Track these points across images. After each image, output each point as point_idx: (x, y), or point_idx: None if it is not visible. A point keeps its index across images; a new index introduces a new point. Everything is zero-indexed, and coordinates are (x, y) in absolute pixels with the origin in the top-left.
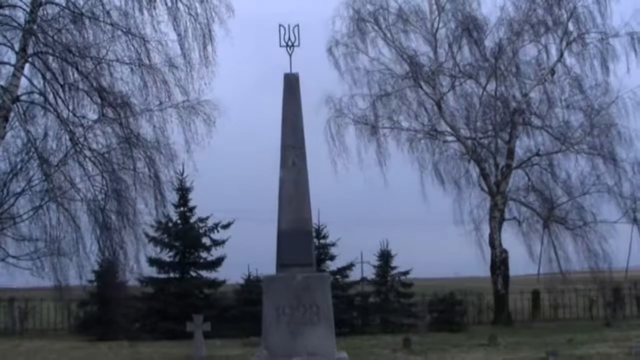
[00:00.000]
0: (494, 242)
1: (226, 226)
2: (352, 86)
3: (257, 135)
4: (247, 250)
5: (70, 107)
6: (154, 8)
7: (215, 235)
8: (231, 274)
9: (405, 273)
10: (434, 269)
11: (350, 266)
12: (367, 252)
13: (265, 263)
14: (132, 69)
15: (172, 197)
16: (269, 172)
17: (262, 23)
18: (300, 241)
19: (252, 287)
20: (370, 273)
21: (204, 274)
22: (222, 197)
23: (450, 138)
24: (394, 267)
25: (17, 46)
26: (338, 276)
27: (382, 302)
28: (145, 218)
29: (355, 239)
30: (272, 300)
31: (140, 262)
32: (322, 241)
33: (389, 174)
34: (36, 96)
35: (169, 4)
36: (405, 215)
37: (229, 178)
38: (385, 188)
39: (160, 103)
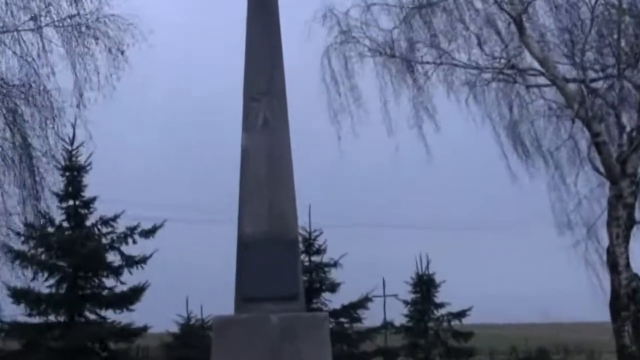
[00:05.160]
0: (617, 260)
1: (149, 232)
2: None
3: (205, 75)
4: (184, 275)
5: None
6: None
7: (130, 249)
8: (157, 315)
9: (461, 315)
10: (507, 307)
11: (364, 302)
12: (393, 276)
13: (216, 296)
14: None
15: (54, 181)
16: (223, 139)
17: None
18: (278, 257)
19: (193, 338)
20: (398, 314)
21: (110, 315)
22: (143, 183)
23: (540, 80)
24: (440, 305)
25: None
26: (344, 319)
27: None
28: (5, 219)
29: (372, 255)
30: (230, 357)
31: None
32: (315, 258)
33: (433, 142)
34: None
35: None
36: (458, 215)
37: (153, 152)
38: (425, 167)
39: (34, 18)
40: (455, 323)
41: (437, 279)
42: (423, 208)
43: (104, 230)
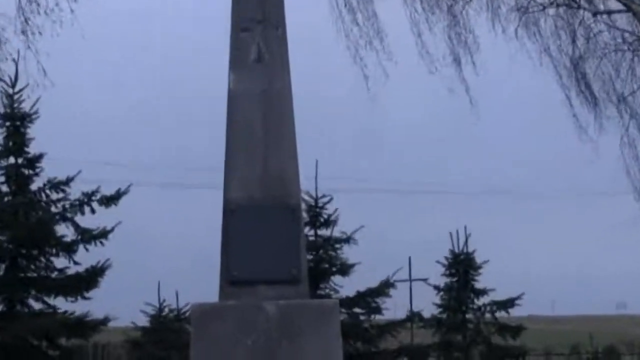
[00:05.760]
0: None
1: (111, 200)
2: None
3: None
4: (155, 253)
5: None
6: None
7: (87, 220)
8: (121, 305)
9: (508, 304)
10: (569, 295)
11: (385, 287)
12: (421, 255)
13: (195, 279)
14: None
15: None
16: (207, 80)
17: None
18: (274, 229)
19: (166, 333)
20: (428, 303)
21: (61, 304)
22: (103, 138)
23: (611, 4)
24: (482, 291)
25: None
26: (359, 309)
27: None
28: None
29: (395, 228)
30: (214, 357)
31: None
32: (322, 232)
33: (475, 87)
34: None
35: None
36: (506, 179)
37: (118, 97)
38: (464, 120)
39: None
40: (501, 315)
41: (478, 258)
42: (462, 170)
43: (54, 196)
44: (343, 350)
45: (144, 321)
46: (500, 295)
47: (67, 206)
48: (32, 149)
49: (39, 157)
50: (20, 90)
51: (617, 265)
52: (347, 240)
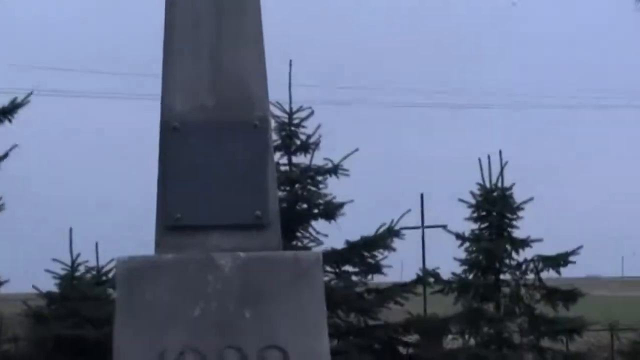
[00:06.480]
0: None
1: (4, 113)
2: None
3: None
4: (65, 191)
5: None
6: None
7: None
8: (17, 264)
9: (559, 261)
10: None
11: (387, 237)
12: (438, 191)
13: (122, 225)
14: None
15: None
16: None
17: None
18: (231, 153)
19: (81, 302)
20: (447, 258)
21: None
22: None
23: None
24: (523, 242)
25: None
26: (350, 267)
27: (485, 346)
28: None
29: (402, 153)
30: (145, 335)
31: None
32: (299, 159)
33: None
34: None
35: None
36: (557, 85)
37: None
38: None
39: None
40: (548, 276)
41: (518, 196)
42: (495, 75)
43: None
44: (329, 323)
45: (50, 286)
46: (548, 249)
47: None
48: None
49: None
50: None
51: None
52: (334, 170)
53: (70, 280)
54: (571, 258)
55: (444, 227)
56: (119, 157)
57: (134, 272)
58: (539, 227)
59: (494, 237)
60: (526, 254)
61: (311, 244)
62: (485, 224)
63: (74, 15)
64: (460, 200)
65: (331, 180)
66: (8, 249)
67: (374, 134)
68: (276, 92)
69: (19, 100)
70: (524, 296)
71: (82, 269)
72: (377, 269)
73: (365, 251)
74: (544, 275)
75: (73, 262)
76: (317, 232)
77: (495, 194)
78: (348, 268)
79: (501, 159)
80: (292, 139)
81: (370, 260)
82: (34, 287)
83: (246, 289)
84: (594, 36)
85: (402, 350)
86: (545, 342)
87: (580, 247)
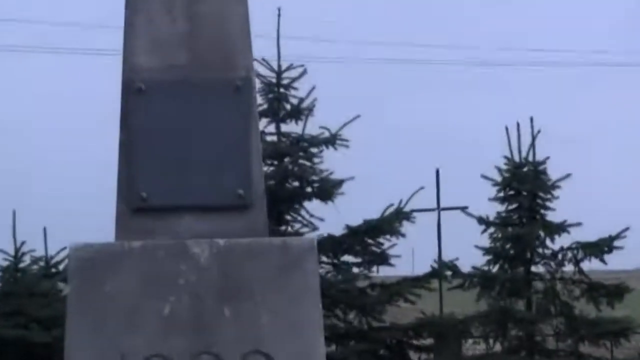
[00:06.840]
0: None
1: None
2: None
3: None
4: (10, 165)
5: None
6: None
7: None
8: None
9: (602, 248)
10: None
11: (394, 220)
12: (457, 167)
13: (77, 206)
14: None
15: None
16: None
17: None
18: (207, 120)
19: (25, 299)
20: (468, 246)
21: None
22: None
23: None
24: (560, 227)
25: None
26: (351, 256)
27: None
28: None
29: (413, 119)
30: (102, 337)
31: None
32: (289, 127)
33: None
34: None
35: None
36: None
37: None
38: None
39: None
40: (590, 268)
41: (553, 172)
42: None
43: None
44: (325, 323)
45: None
46: (589, 234)
47: None
48: None
49: None
50: None
51: None
52: (332, 140)
53: (13, 272)
54: (616, 243)
55: (464, 209)
56: (71, 123)
57: (90, 262)
58: (576, 209)
59: (524, 221)
60: (563, 241)
61: (304, 229)
62: (514, 206)
63: None
64: (484, 177)
65: (328, 153)
66: None
67: (380, 98)
68: (262, 46)
69: None
70: (560, 292)
71: (27, 259)
72: (383, 259)
73: (368, 238)
74: (585, 266)
75: (17, 251)
76: (311, 215)
77: (525, 169)
78: (348, 258)
79: (532, 128)
80: (280, 102)
81: (374, 248)
82: None
83: (225, 281)
84: None
85: (413, 356)
86: (586, 348)
87: (626, 230)
